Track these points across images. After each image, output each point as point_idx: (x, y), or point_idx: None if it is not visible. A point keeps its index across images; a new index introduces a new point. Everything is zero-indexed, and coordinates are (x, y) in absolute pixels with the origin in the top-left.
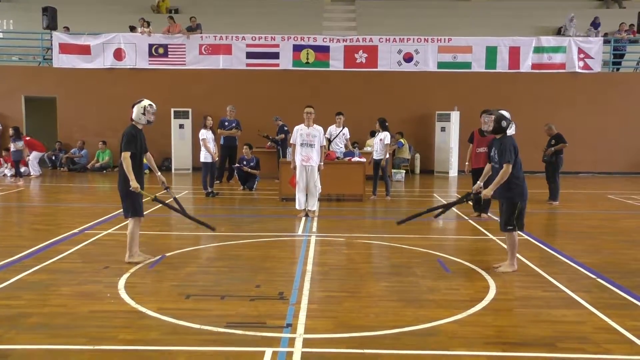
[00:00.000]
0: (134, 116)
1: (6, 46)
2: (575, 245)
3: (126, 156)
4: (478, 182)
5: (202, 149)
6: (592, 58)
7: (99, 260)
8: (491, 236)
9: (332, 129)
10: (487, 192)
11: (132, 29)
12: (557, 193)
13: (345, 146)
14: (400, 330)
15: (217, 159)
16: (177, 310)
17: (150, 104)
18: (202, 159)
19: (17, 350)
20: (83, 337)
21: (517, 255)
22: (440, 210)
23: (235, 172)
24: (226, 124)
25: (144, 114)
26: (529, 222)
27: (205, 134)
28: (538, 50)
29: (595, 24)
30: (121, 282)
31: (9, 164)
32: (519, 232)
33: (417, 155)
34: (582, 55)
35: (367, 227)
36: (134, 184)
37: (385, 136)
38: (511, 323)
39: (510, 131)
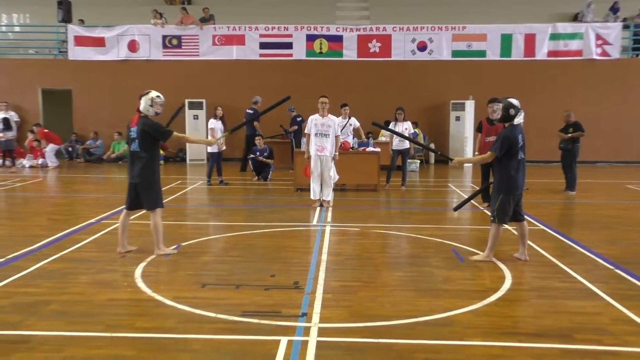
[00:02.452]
0: (141, 108)
1: (23, 39)
2: (592, 235)
3: (175, 135)
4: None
5: (210, 138)
6: (610, 44)
7: (116, 250)
8: (506, 226)
9: (338, 121)
10: (459, 159)
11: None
12: (575, 183)
13: (358, 135)
14: (415, 320)
15: (223, 149)
16: (192, 299)
17: (157, 95)
18: (209, 149)
19: (36, 337)
20: (101, 324)
21: (533, 245)
22: (463, 201)
23: (249, 162)
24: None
25: (151, 105)
26: (545, 212)
27: (214, 124)
28: (554, 37)
29: (614, 9)
30: (137, 271)
31: (32, 155)
32: (504, 225)
33: (432, 145)
34: (599, 42)
35: (381, 217)
36: (207, 140)
37: (409, 125)
38: (527, 314)
39: (518, 120)
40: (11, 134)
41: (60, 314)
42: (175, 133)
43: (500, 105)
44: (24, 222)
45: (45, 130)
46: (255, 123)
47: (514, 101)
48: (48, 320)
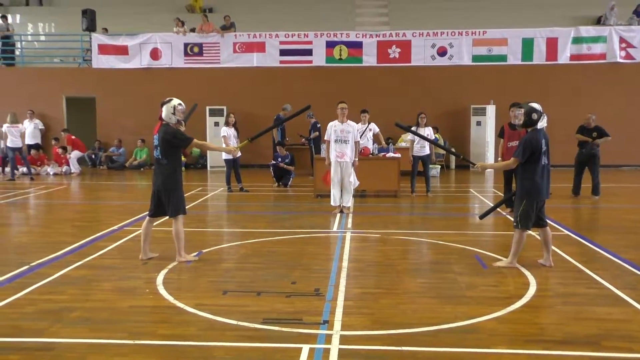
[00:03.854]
0: (163, 115)
1: (48, 48)
2: (618, 240)
3: (195, 142)
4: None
5: (223, 146)
6: (634, 47)
7: (138, 257)
8: (529, 231)
9: (358, 127)
10: (483, 164)
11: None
12: (599, 186)
13: (378, 141)
14: (438, 327)
15: (237, 155)
16: (214, 306)
17: (179, 103)
18: (223, 156)
19: (61, 344)
20: (123, 331)
21: (557, 250)
22: (489, 210)
23: (271, 168)
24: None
25: (173, 113)
26: (569, 217)
27: (226, 131)
28: (577, 40)
29: (637, 12)
30: (159, 278)
31: (57, 163)
32: (528, 231)
33: (453, 150)
34: (623, 45)
35: (402, 223)
36: (228, 148)
37: (430, 131)
38: (553, 320)
39: (541, 124)
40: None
41: (84, 320)
42: (195, 140)
43: (522, 110)
44: (48, 229)
45: (73, 137)
46: (274, 130)
47: (536, 106)
48: (72, 327)
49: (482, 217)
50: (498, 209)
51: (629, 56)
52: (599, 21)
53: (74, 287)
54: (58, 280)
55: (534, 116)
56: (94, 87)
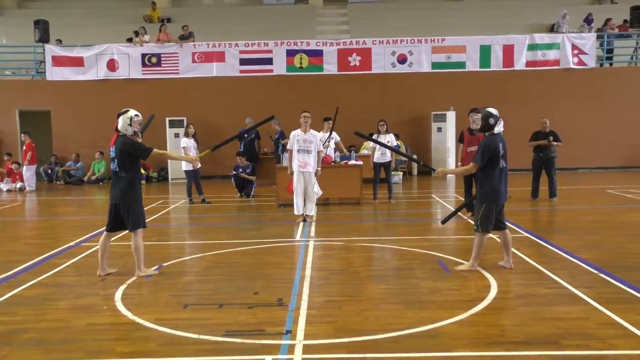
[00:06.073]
0: (119, 127)
1: None
2: (575, 240)
3: (155, 152)
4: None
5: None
6: (586, 54)
7: (95, 273)
8: (490, 234)
9: (320, 136)
10: (443, 170)
11: (130, 40)
12: (556, 189)
13: (340, 149)
14: (401, 333)
15: (198, 167)
16: (174, 320)
17: (136, 114)
18: (183, 168)
19: None
20: (80, 351)
21: (517, 252)
22: (450, 215)
23: (232, 179)
24: (245, 135)
25: (130, 124)
26: (528, 219)
27: (186, 142)
28: (532, 47)
29: (588, 20)
30: (118, 294)
31: (10, 179)
32: (488, 234)
33: (414, 157)
34: (576, 52)
35: (365, 230)
36: (189, 157)
37: (392, 138)
38: (514, 322)
39: (498, 128)
40: None
41: (37, 342)
42: (155, 150)
43: (480, 115)
44: (0, 247)
45: (33, 145)
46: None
47: (493, 110)
48: (24, 350)
49: (444, 222)
50: (459, 213)
51: (581, 62)
52: (552, 29)
53: (27, 307)
54: (9, 301)
55: (491, 121)
56: (48, 100)
